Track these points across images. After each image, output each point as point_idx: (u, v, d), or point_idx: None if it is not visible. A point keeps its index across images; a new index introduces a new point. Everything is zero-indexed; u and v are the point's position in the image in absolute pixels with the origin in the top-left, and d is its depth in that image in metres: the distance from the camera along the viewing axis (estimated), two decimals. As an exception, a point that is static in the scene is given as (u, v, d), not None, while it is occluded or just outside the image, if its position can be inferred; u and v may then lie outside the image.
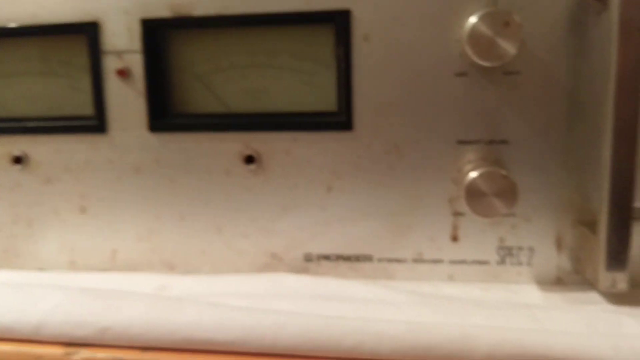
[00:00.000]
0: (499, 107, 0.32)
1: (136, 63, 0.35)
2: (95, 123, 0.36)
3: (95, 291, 0.30)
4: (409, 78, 0.33)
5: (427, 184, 0.34)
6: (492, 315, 0.27)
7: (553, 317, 0.27)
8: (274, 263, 0.36)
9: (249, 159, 0.35)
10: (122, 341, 0.28)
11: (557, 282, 0.34)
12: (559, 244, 0.33)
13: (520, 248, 0.34)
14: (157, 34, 0.35)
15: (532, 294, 0.32)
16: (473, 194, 0.31)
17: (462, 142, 0.33)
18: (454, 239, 0.34)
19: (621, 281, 0.28)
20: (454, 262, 0.35)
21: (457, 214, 0.34)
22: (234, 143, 0.35)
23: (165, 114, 0.36)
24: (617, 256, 0.28)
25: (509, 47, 0.29)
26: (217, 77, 0.36)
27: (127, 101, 0.36)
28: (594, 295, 0.31)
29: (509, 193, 0.30)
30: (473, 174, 0.31)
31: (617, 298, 0.30)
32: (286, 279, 0.34)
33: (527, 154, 0.33)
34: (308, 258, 0.36)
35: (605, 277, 0.28)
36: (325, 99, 0.35)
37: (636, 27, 0.26)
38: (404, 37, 0.33)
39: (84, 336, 0.28)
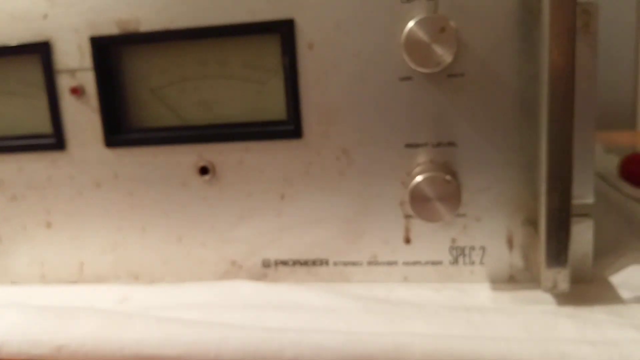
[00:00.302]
0: (445, 109, 0.33)
1: (89, 81, 0.36)
2: (53, 141, 0.37)
3: (51, 309, 0.31)
4: (355, 84, 0.33)
5: (378, 188, 0.34)
6: (431, 321, 0.28)
7: (490, 321, 0.27)
8: (233, 270, 0.37)
9: (204, 170, 0.36)
10: (77, 358, 0.29)
11: (509, 280, 0.34)
12: (510, 243, 0.34)
13: (472, 248, 0.34)
14: (107, 51, 0.36)
15: (482, 293, 0.33)
16: (417, 198, 0.31)
17: (410, 146, 0.33)
18: (407, 241, 0.35)
19: (562, 281, 0.28)
20: (407, 263, 0.35)
21: (408, 216, 0.34)
22: (189, 155, 0.36)
23: (121, 129, 0.37)
24: (557, 253, 0.28)
25: (445, 53, 0.29)
26: (171, 90, 0.36)
27: (82, 118, 0.36)
28: (541, 294, 0.31)
29: (452, 198, 0.31)
30: (417, 179, 0.31)
31: (562, 296, 0.31)
32: (242, 287, 0.35)
33: (476, 155, 0.33)
34: (266, 264, 0.37)
35: (546, 275, 0.28)
36: (276, 108, 0.35)
37: (566, 28, 0.26)
38: (348, 44, 0.33)
39: (41, 354, 0.29)
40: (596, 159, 0.57)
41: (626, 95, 1.00)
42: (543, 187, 0.28)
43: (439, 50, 0.29)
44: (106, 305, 0.34)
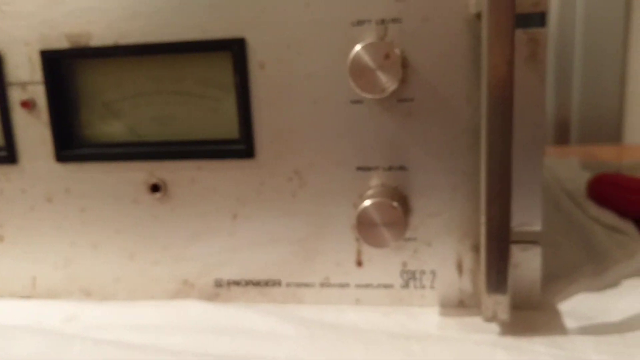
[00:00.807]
0: (396, 133, 0.32)
1: (40, 94, 0.35)
2: (5, 154, 0.37)
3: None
4: (307, 105, 0.33)
5: (330, 210, 0.34)
6: (371, 350, 0.27)
7: (428, 351, 0.27)
8: (185, 289, 0.37)
9: (155, 188, 0.35)
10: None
11: (459, 304, 0.34)
12: (460, 268, 0.33)
13: (423, 272, 0.34)
14: (58, 65, 0.35)
15: (430, 318, 0.32)
16: (364, 223, 0.31)
17: (361, 169, 0.33)
18: (359, 263, 0.34)
19: (502, 311, 0.28)
20: (359, 286, 0.35)
21: (360, 239, 0.34)
22: (140, 172, 0.35)
23: (73, 143, 0.36)
24: (497, 283, 0.28)
25: (389, 80, 0.29)
26: (124, 105, 0.36)
27: (34, 132, 0.36)
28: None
29: (398, 224, 0.30)
30: (365, 204, 0.31)
31: (506, 323, 0.30)
32: (191, 309, 0.34)
33: (426, 179, 0.33)
34: (218, 284, 0.36)
35: (486, 304, 0.28)
36: (229, 126, 0.35)
37: (504, 57, 0.26)
38: (300, 64, 0.32)
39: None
40: (569, 176, 0.57)
41: (611, 108, 1.00)
42: (482, 216, 0.28)
43: (383, 77, 0.29)
44: (53, 323, 0.34)
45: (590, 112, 1.01)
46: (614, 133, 1.00)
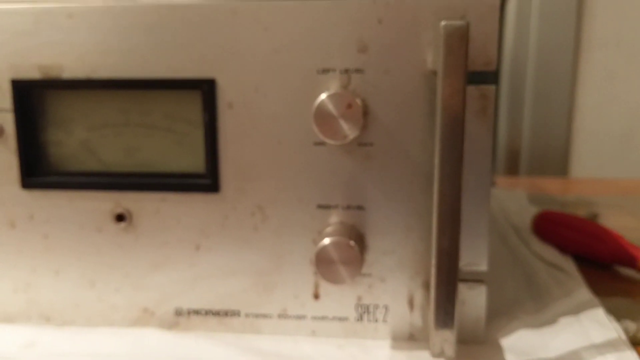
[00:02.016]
0: (355, 175, 0.34)
1: (9, 122, 0.36)
2: (-31, 178, 0.37)
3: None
4: (271, 145, 0.34)
5: (290, 245, 0.36)
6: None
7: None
8: (146, 317, 0.37)
9: (120, 217, 0.36)
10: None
11: (410, 338, 0.36)
12: (411, 304, 0.35)
13: (376, 306, 0.36)
14: (29, 94, 0.36)
15: (381, 352, 0.34)
16: (322, 260, 0.32)
17: (321, 207, 0.35)
18: (316, 296, 0.36)
19: (449, 348, 0.30)
20: (316, 318, 0.36)
21: (318, 273, 0.35)
22: (105, 202, 0.36)
23: (39, 171, 0.37)
24: (444, 321, 0.30)
25: (351, 128, 0.31)
26: (92, 135, 0.37)
27: (1, 158, 0.36)
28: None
29: (354, 262, 0.32)
30: (323, 242, 0.32)
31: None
32: (149, 337, 0.35)
33: (382, 219, 0.35)
34: (179, 312, 0.37)
35: (434, 340, 0.30)
36: (196, 160, 0.36)
37: (457, 91, 0.28)
38: (266, 106, 0.34)
39: None
40: (517, 210, 0.61)
41: (559, 141, 1.05)
42: (432, 257, 0.30)
43: (345, 125, 0.31)
44: (11, 350, 0.34)
45: (539, 145, 1.06)
46: (560, 166, 1.05)
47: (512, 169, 1.08)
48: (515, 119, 1.09)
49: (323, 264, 0.32)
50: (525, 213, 0.60)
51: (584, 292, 0.39)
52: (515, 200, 0.67)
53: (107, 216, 0.36)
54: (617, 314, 0.37)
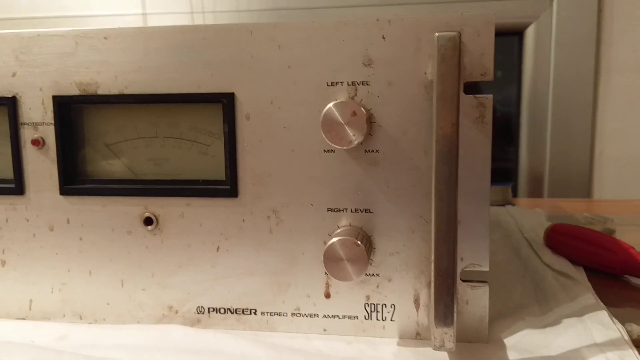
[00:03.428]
0: (362, 180, 0.37)
1: (49, 134, 0.40)
2: (14, 186, 0.41)
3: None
4: (285, 153, 0.37)
5: (302, 246, 0.38)
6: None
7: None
8: (170, 315, 0.40)
9: (148, 221, 0.39)
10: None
11: (416, 336, 0.37)
12: (417, 303, 0.37)
13: (384, 305, 0.38)
14: (68, 109, 0.40)
15: (388, 348, 0.36)
16: (330, 257, 0.35)
17: (331, 210, 0.37)
18: (327, 296, 0.38)
19: (449, 340, 0.32)
20: (327, 316, 0.38)
21: (326, 270, 0.38)
22: (135, 206, 0.40)
23: (76, 179, 0.40)
24: (444, 315, 0.32)
25: (356, 134, 0.34)
26: (124, 146, 0.40)
27: (42, 167, 0.40)
28: (438, 352, 0.34)
29: (360, 260, 0.34)
30: (332, 240, 0.35)
31: (455, 355, 0.34)
32: (173, 332, 0.38)
33: (388, 222, 0.37)
34: (200, 311, 0.40)
35: (435, 334, 0.32)
36: (217, 168, 0.39)
37: (451, 99, 0.31)
38: (280, 117, 0.37)
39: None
40: (532, 226, 0.62)
41: (581, 166, 1.06)
42: (432, 256, 0.32)
43: (350, 131, 0.34)
44: (46, 342, 0.37)
45: (562, 170, 1.06)
46: (583, 190, 1.06)
47: (536, 193, 1.09)
48: (537, 144, 1.10)
49: (331, 261, 0.35)
50: (540, 228, 0.61)
51: (589, 297, 0.41)
52: (532, 218, 0.68)
53: (136, 220, 0.40)
54: (626, 321, 0.38)
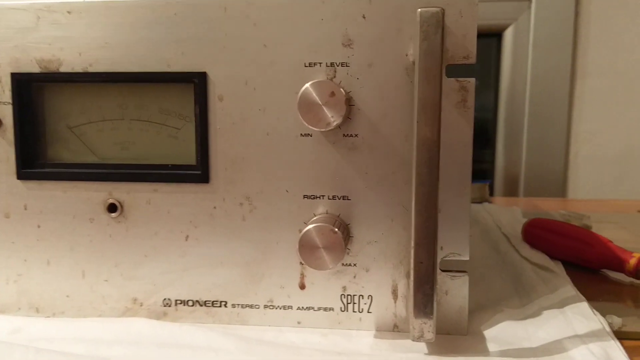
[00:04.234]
0: (340, 165, 0.35)
1: (7, 114, 0.37)
2: (-33, 169, 0.38)
3: None
4: (260, 137, 0.36)
5: (277, 235, 0.36)
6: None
7: (357, 365, 0.29)
8: (135, 308, 0.38)
9: (112, 208, 0.37)
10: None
11: (394, 328, 0.36)
12: (395, 294, 0.36)
13: (361, 296, 0.36)
14: (28, 87, 0.37)
15: (364, 340, 0.34)
16: (306, 245, 0.33)
17: (308, 197, 0.36)
18: (302, 287, 0.36)
19: (428, 331, 0.30)
20: (301, 308, 0.37)
21: (304, 263, 0.36)
22: (98, 192, 0.37)
23: (35, 162, 0.38)
24: (424, 305, 0.30)
25: (334, 115, 0.32)
26: (89, 128, 0.38)
27: (-2, 149, 0.38)
28: (416, 343, 0.33)
29: (337, 248, 0.33)
30: (308, 227, 0.33)
31: (434, 346, 0.33)
32: (136, 325, 0.35)
33: (366, 209, 0.35)
34: (167, 303, 0.38)
35: (414, 324, 0.30)
36: (187, 153, 0.37)
37: (432, 75, 0.29)
38: (255, 99, 0.35)
39: None
40: (510, 222, 0.61)
41: (556, 166, 1.06)
42: (412, 245, 0.30)
43: (328, 112, 0.32)
44: (-2, 335, 0.35)
45: (537, 170, 1.07)
46: (558, 190, 1.06)
47: (511, 192, 1.09)
48: (514, 145, 1.10)
49: (306, 249, 0.33)
50: (517, 224, 0.60)
51: (569, 289, 0.40)
52: (509, 214, 0.67)
53: (100, 207, 0.37)
54: (606, 314, 0.37)
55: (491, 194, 0.97)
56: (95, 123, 0.38)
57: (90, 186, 0.37)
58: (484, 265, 0.47)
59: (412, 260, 0.31)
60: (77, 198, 0.38)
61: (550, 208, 0.81)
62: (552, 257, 0.49)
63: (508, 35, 1.11)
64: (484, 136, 1.14)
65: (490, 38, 1.15)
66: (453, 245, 0.35)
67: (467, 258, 0.35)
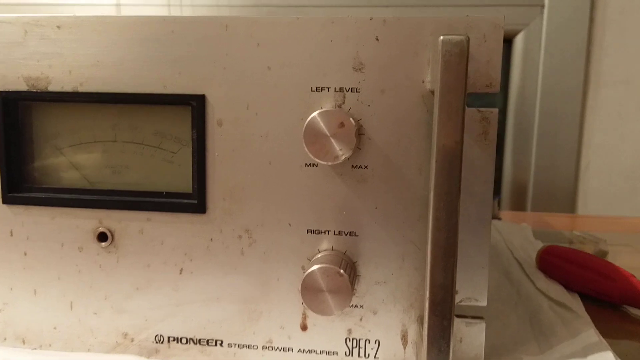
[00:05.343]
0: (348, 199, 0.32)
1: (-8, 134, 0.35)
2: (-52, 191, 0.35)
3: None
4: (261, 165, 0.33)
5: (278, 271, 0.34)
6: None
7: None
8: (125, 343, 0.35)
9: (102, 237, 0.35)
10: None
11: (402, 376, 0.33)
12: (405, 339, 0.33)
13: (367, 340, 0.33)
14: (15, 106, 0.35)
15: (371, 390, 0.32)
16: (309, 288, 0.30)
17: (312, 232, 0.33)
18: (304, 328, 0.34)
19: (442, 387, 0.28)
20: (303, 351, 0.34)
21: (303, 302, 0.33)
22: (88, 220, 0.35)
23: (23, 186, 0.35)
24: (437, 354, 0.28)
25: (343, 148, 0.30)
26: (79, 150, 0.35)
27: (-18, 171, 0.35)
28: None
29: (343, 292, 0.30)
30: (312, 268, 0.30)
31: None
32: (126, 365, 0.33)
33: (375, 246, 0.33)
34: (159, 340, 0.35)
35: (427, 382, 0.28)
36: (183, 179, 0.34)
37: (455, 113, 0.27)
38: (257, 125, 0.33)
39: None
40: (522, 245, 0.58)
41: (566, 179, 1.03)
42: (426, 290, 0.28)
43: (337, 144, 0.29)
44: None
45: (546, 183, 1.04)
46: (568, 204, 1.03)
47: (519, 205, 1.06)
48: (522, 155, 1.07)
49: (310, 292, 0.30)
50: (530, 247, 0.57)
51: (591, 334, 0.37)
52: (520, 233, 0.65)
53: (89, 235, 0.35)
54: (627, 359, 0.35)
55: (498, 206, 0.94)
56: (86, 144, 0.35)
57: (80, 213, 0.35)
58: (498, 298, 0.45)
59: (426, 311, 0.28)
60: (65, 225, 0.35)
61: (561, 225, 0.78)
62: (569, 288, 0.47)
63: (518, 42, 1.08)
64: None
65: (501, 44, 1.12)
66: (469, 290, 0.32)
67: (484, 304, 0.32)
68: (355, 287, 0.33)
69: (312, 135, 0.30)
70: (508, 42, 1.11)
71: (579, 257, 0.48)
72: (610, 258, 0.58)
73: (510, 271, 0.51)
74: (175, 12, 1.04)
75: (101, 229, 0.35)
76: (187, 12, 1.04)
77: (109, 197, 0.35)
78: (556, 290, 0.45)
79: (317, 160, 0.30)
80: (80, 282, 0.35)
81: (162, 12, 1.04)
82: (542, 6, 1.03)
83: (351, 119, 0.30)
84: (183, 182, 0.34)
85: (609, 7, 1.00)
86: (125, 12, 1.04)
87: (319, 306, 0.30)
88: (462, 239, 0.31)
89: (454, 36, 0.26)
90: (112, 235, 0.35)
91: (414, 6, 1.01)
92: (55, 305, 0.36)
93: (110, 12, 1.04)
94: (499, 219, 0.75)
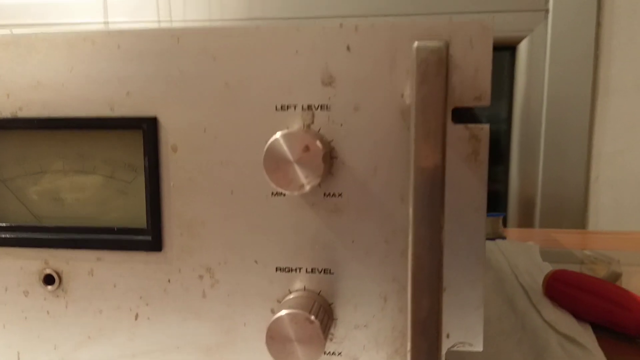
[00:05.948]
0: (321, 232, 0.28)
1: None
2: None
3: None
4: (222, 195, 0.29)
5: (244, 316, 0.30)
6: None
7: None
8: (76, 399, 0.31)
9: (49, 279, 0.31)
10: None
11: None
12: (390, 391, 0.29)
13: (348, 392, 0.29)
14: (-52, 135, 0.31)
15: None
16: (275, 337, 0.26)
17: (281, 270, 0.29)
18: (275, 379, 0.30)
19: None
20: (275, 405, 0.30)
21: (269, 352, 0.29)
22: (33, 260, 0.31)
23: (-40, 223, 0.32)
24: None
25: (308, 176, 0.25)
26: (24, 182, 0.32)
27: None
28: None
29: (314, 343, 0.26)
30: (277, 314, 0.26)
31: None
32: None
33: (353, 285, 0.29)
34: (114, 395, 0.31)
35: None
36: (137, 213, 0.31)
37: (433, 127, 0.23)
38: (216, 150, 0.29)
39: None
40: (528, 268, 0.54)
41: (576, 192, 0.99)
42: (408, 342, 0.23)
43: (301, 171, 0.25)
44: None
45: (555, 196, 0.99)
46: (578, 218, 0.98)
47: (526, 221, 1.01)
48: (529, 168, 1.02)
49: (276, 342, 0.26)
50: (537, 272, 0.53)
51: (606, 375, 0.32)
52: (526, 254, 0.60)
53: (35, 277, 0.31)
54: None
55: (504, 223, 0.89)
56: (31, 175, 0.32)
57: (23, 253, 0.31)
58: (500, 331, 0.40)
59: (409, 346, 0.24)
60: (8, 267, 0.31)
61: (571, 243, 0.74)
62: (580, 317, 0.42)
63: (523, 49, 1.04)
64: (496, 153, 1.07)
65: (503, 52, 1.08)
66: (462, 333, 0.28)
67: (480, 349, 0.28)
68: (332, 331, 0.29)
69: (273, 162, 0.26)
70: (512, 49, 1.07)
71: (590, 283, 0.44)
72: (624, 279, 0.53)
73: (514, 299, 0.46)
74: (164, 29, 1.01)
75: (47, 271, 0.31)
76: (176, 29, 1.01)
77: (55, 235, 0.31)
78: (565, 321, 0.41)
79: (280, 189, 0.26)
80: (26, 330, 0.31)
81: (151, 29, 1.01)
82: (547, 11, 0.99)
83: (318, 141, 0.26)
84: (138, 216, 0.30)
85: (616, 10, 0.96)
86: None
87: (287, 358, 0.26)
88: (452, 276, 0.27)
89: (430, 42, 0.22)
90: (60, 278, 0.31)
91: (410, 14, 0.97)
92: (1, 356, 0.32)
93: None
94: (504, 237, 0.70)
